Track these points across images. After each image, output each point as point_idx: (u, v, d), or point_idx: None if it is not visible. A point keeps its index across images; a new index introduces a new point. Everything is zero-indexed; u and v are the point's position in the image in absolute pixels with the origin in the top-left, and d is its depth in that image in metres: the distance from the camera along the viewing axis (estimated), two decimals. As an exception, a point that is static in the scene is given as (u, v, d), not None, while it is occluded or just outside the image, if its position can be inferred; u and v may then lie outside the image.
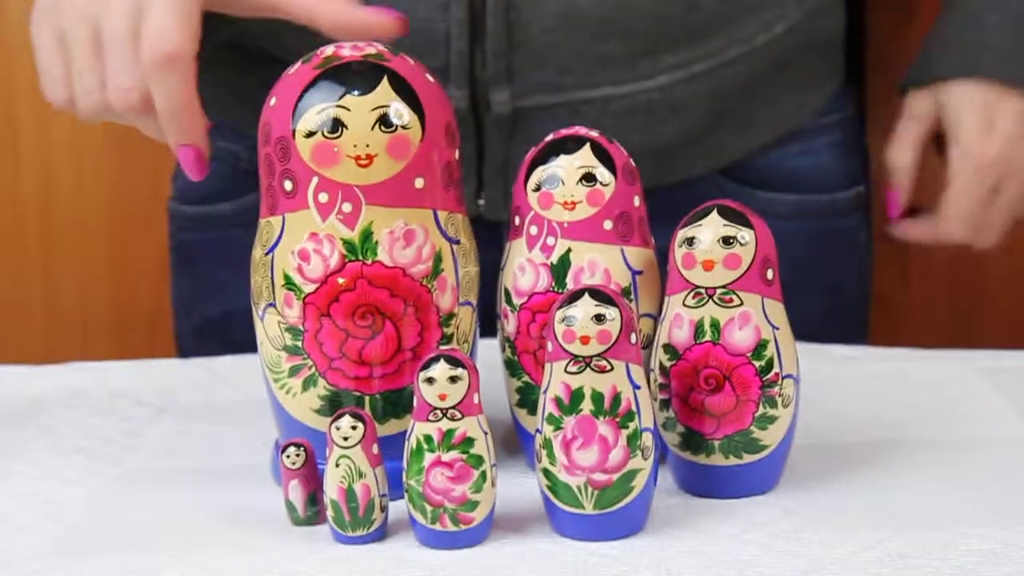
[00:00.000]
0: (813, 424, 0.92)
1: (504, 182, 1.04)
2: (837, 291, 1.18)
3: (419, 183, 0.81)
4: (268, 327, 0.83)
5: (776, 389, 0.81)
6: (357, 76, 0.81)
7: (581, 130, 0.84)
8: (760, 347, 0.80)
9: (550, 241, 0.83)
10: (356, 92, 0.81)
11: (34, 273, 1.64)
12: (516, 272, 0.84)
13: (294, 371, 0.83)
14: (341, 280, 0.81)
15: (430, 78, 0.83)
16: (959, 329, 1.59)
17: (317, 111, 0.80)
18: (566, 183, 0.83)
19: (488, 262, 0.87)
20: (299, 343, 0.82)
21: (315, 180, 0.81)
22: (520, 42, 1.01)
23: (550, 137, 0.85)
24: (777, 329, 0.81)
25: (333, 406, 0.82)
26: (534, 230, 0.84)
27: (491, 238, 0.88)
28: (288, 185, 0.81)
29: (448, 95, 0.99)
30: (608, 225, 0.83)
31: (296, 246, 0.82)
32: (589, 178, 0.83)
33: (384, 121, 0.80)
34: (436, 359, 0.76)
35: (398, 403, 0.83)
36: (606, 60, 1.03)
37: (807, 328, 1.01)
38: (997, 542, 0.76)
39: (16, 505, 0.85)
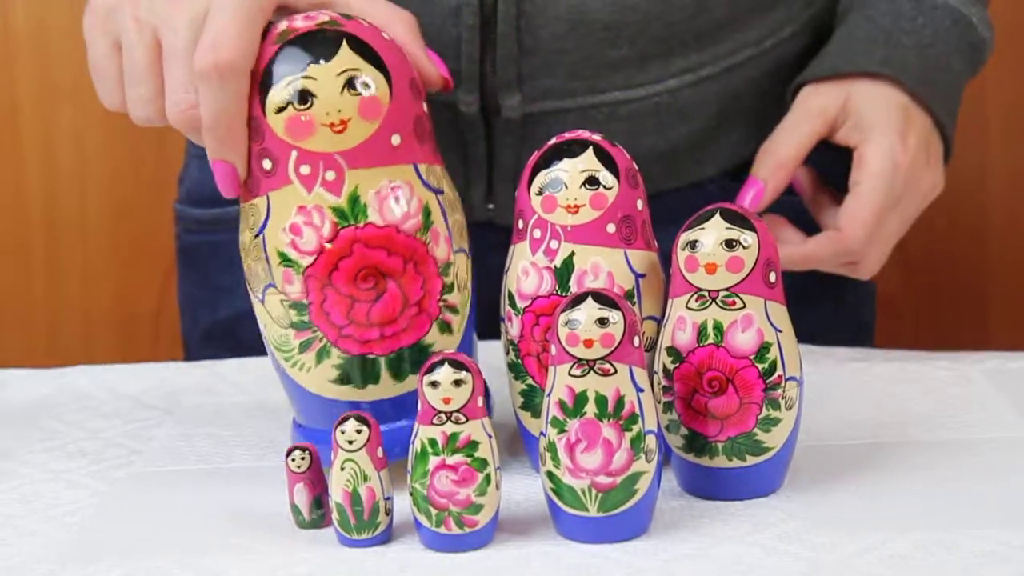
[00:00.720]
0: (816, 426, 0.92)
1: (514, 187, 1.04)
2: (841, 293, 1.18)
3: (395, 140, 0.82)
4: (271, 308, 0.84)
5: (779, 391, 0.81)
6: (315, 45, 0.81)
7: (584, 134, 0.84)
8: (763, 349, 0.80)
9: (553, 244, 0.83)
10: (320, 60, 0.81)
11: (38, 275, 1.65)
12: (520, 275, 0.84)
13: (305, 346, 0.84)
14: (328, 245, 0.81)
15: (386, 36, 0.84)
16: (963, 331, 1.60)
17: (284, 85, 0.81)
18: (569, 187, 0.83)
19: (498, 265, 0.87)
20: (305, 317, 0.83)
21: (294, 154, 0.81)
22: (530, 47, 1.01)
23: (553, 141, 0.85)
24: (780, 331, 0.81)
25: (349, 373, 0.84)
26: (537, 233, 0.84)
27: (501, 242, 0.88)
28: (267, 164, 0.82)
29: (459, 101, 1.00)
30: (611, 228, 0.83)
31: (286, 222, 0.82)
32: (592, 181, 0.83)
33: (351, 85, 0.81)
34: (440, 363, 0.76)
35: (414, 358, 0.84)
36: (616, 64, 1.03)
37: (811, 330, 1.01)
38: (1000, 543, 0.76)
39: (20, 508, 0.86)
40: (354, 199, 0.81)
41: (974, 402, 0.96)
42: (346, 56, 0.81)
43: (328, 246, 0.81)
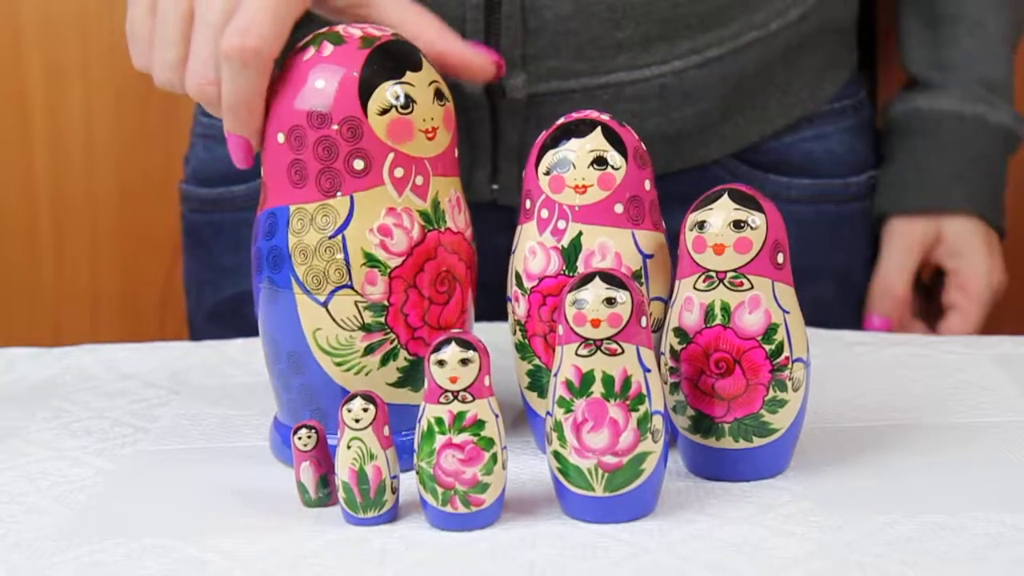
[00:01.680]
0: (823, 408, 0.92)
1: (518, 167, 1.04)
2: (849, 276, 1.18)
3: (456, 152, 0.87)
4: (337, 310, 0.84)
5: (786, 373, 0.81)
6: (405, 54, 0.84)
7: (592, 114, 0.84)
8: (770, 331, 0.80)
9: (561, 224, 0.83)
10: (413, 68, 0.84)
11: (45, 256, 1.65)
12: (527, 255, 0.84)
13: (371, 349, 0.84)
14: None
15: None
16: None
17: (390, 86, 0.83)
18: (577, 167, 0.83)
19: (502, 246, 0.87)
20: (382, 319, 0.84)
21: (391, 156, 0.83)
22: (535, 28, 1.01)
23: (561, 121, 0.85)
24: (787, 313, 0.81)
25: (411, 376, 0.85)
26: (545, 213, 0.84)
27: (505, 223, 0.88)
28: (359, 164, 0.82)
29: (463, 81, 1.00)
30: (619, 209, 0.83)
31: (374, 223, 0.83)
32: (600, 162, 0.83)
33: (439, 94, 0.84)
34: (447, 342, 0.76)
35: None
36: (621, 45, 1.03)
37: (818, 312, 1.01)
38: (1006, 526, 0.76)
39: (26, 486, 0.86)
40: (436, 204, 0.84)
41: (982, 386, 0.96)
42: (428, 66, 0.85)
43: (418, 249, 0.84)
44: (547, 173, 0.84)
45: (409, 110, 0.83)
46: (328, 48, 0.83)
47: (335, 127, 0.82)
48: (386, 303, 0.83)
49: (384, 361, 0.84)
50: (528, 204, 0.85)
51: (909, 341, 1.06)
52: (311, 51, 0.84)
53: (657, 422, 0.77)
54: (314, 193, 0.83)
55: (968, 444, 0.87)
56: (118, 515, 0.82)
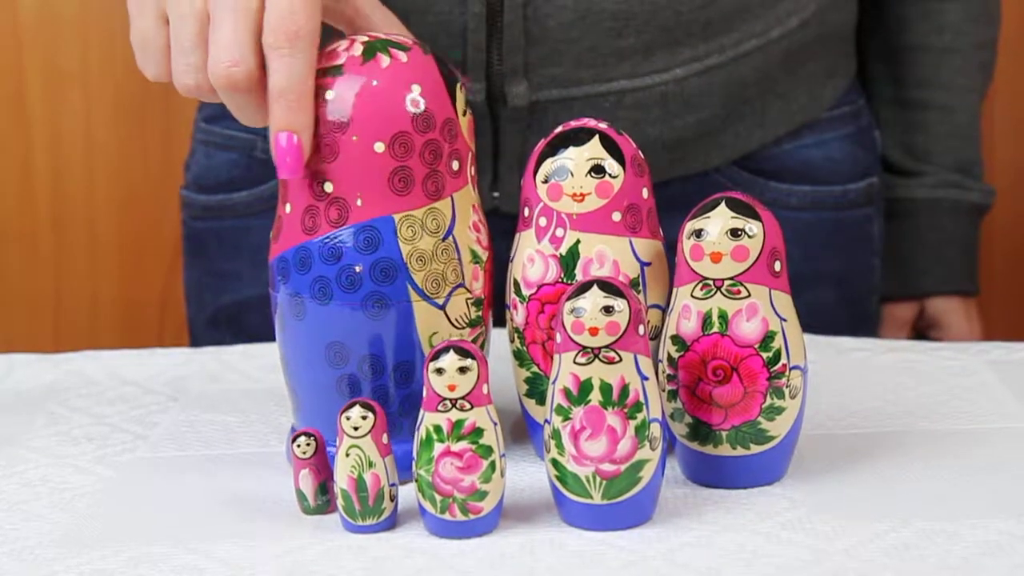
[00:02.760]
0: (820, 415, 0.93)
1: (520, 175, 1.05)
2: (847, 282, 1.19)
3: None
4: (454, 310, 0.85)
5: (784, 380, 0.81)
6: (443, 58, 0.86)
7: (590, 122, 0.85)
8: (768, 338, 0.81)
9: (559, 232, 0.83)
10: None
11: (44, 261, 1.65)
12: (525, 263, 0.85)
13: (474, 340, 0.86)
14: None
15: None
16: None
17: (459, 89, 0.85)
18: (575, 175, 0.83)
19: (503, 253, 0.88)
20: (480, 312, 0.86)
21: (470, 155, 0.86)
22: (537, 36, 1.01)
23: (559, 129, 0.85)
24: (785, 321, 0.81)
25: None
26: (543, 221, 0.84)
27: (506, 230, 0.88)
28: (455, 165, 0.84)
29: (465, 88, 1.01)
30: (617, 217, 0.83)
31: (469, 221, 0.85)
32: (598, 170, 0.83)
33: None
34: (446, 350, 0.76)
35: None
36: (622, 54, 1.03)
37: (816, 319, 1.01)
38: (1002, 534, 0.76)
39: (26, 493, 0.86)
40: (479, 196, 0.88)
41: (978, 392, 0.97)
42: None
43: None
44: (545, 181, 0.84)
45: (469, 108, 0.86)
46: (401, 55, 0.83)
47: (438, 131, 0.83)
48: (483, 295, 0.86)
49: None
50: (526, 212, 0.85)
51: (905, 348, 1.06)
52: (384, 59, 0.83)
53: (655, 430, 0.77)
54: (421, 198, 0.83)
55: (965, 451, 0.87)
56: (117, 522, 0.82)
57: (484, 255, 0.86)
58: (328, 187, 0.83)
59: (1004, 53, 1.30)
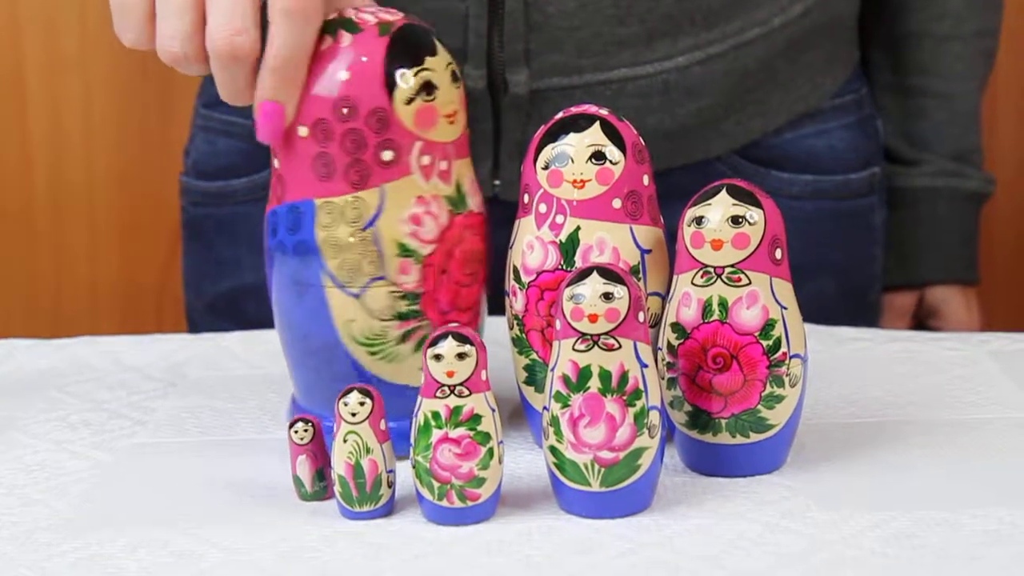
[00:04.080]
0: (820, 404, 0.93)
1: (520, 163, 1.04)
2: (849, 272, 1.18)
3: (468, 132, 0.87)
4: (372, 301, 0.84)
5: (783, 368, 0.81)
6: (421, 38, 0.83)
7: (591, 108, 0.84)
8: (768, 326, 0.80)
9: (559, 219, 0.83)
10: (431, 53, 0.83)
11: (43, 247, 1.65)
12: (525, 250, 0.84)
13: (406, 336, 0.85)
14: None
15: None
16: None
17: (412, 75, 0.82)
18: (575, 161, 0.83)
19: (503, 241, 0.87)
20: (416, 306, 0.84)
21: (418, 144, 0.83)
22: (538, 23, 1.01)
23: (560, 115, 0.84)
24: (785, 309, 0.81)
25: None
26: (543, 208, 0.84)
27: (507, 218, 0.88)
28: (387, 155, 0.82)
29: (466, 76, 1.00)
30: (617, 203, 0.83)
31: (404, 213, 0.83)
32: (598, 156, 0.83)
33: (455, 76, 0.84)
34: (444, 336, 0.76)
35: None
36: (624, 42, 1.03)
37: (818, 308, 1.01)
38: (1003, 523, 0.76)
39: (24, 478, 0.86)
40: (459, 187, 0.85)
41: (978, 382, 0.96)
42: (442, 51, 0.84)
43: (448, 233, 0.84)
44: (545, 168, 0.83)
45: (432, 97, 0.82)
46: (346, 37, 0.82)
47: (363, 119, 0.81)
48: (420, 291, 0.84)
49: (418, 347, 0.85)
50: (526, 198, 0.85)
51: (906, 337, 1.06)
52: (328, 40, 0.82)
53: (654, 417, 0.77)
54: (343, 186, 0.83)
55: (965, 440, 0.87)
56: (115, 507, 0.82)
57: (424, 249, 0.83)
58: (276, 163, 0.85)
59: (1007, 43, 1.30)
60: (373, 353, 0.85)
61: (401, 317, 0.84)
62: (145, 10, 0.82)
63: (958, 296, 1.27)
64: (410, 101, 0.82)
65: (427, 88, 0.82)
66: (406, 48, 0.82)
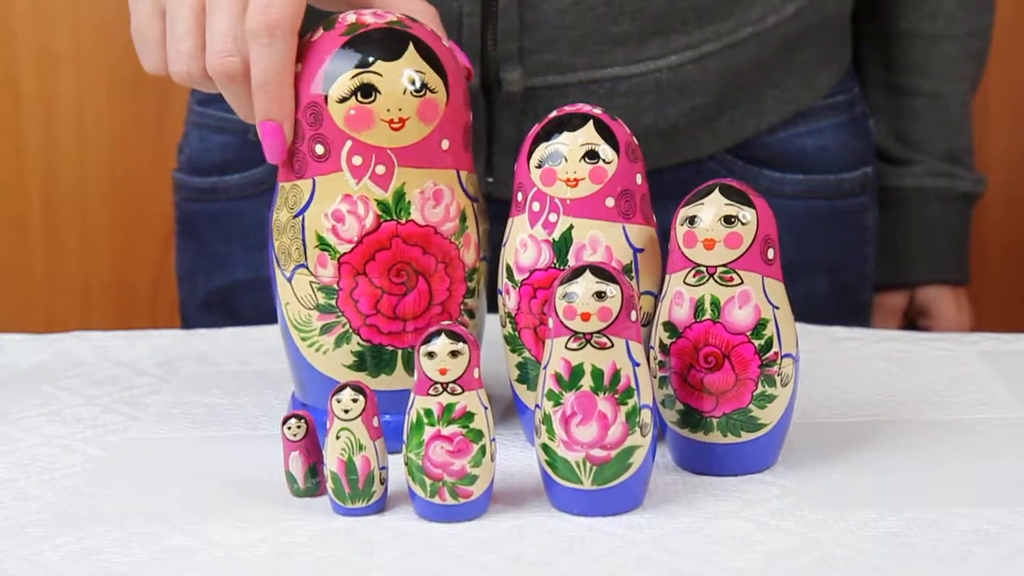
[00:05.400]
0: (812, 403, 0.93)
1: (514, 161, 1.04)
2: (841, 271, 1.19)
3: (445, 144, 0.85)
4: (297, 287, 0.85)
5: (775, 368, 0.81)
6: (384, 42, 0.84)
7: (584, 107, 0.84)
8: (760, 326, 0.80)
9: (552, 218, 0.83)
10: (385, 58, 0.83)
11: (36, 243, 1.65)
12: (518, 248, 0.84)
13: (326, 329, 0.85)
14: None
15: (446, 44, 0.87)
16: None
17: (350, 77, 0.83)
18: (569, 160, 0.83)
19: (496, 238, 0.88)
20: (333, 301, 0.85)
21: (348, 144, 0.83)
22: (532, 22, 1.01)
23: (553, 114, 0.85)
24: (777, 308, 0.81)
25: (365, 360, 0.86)
26: (536, 206, 0.84)
27: (499, 216, 0.88)
28: (319, 149, 0.84)
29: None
30: (610, 202, 0.83)
31: (329, 208, 0.84)
32: (592, 155, 0.83)
33: (420, 85, 0.84)
34: (437, 333, 0.76)
35: None
36: (617, 40, 1.03)
37: (809, 308, 1.01)
38: (993, 523, 0.76)
39: (16, 472, 0.86)
40: (399, 195, 0.84)
41: (969, 382, 0.97)
42: (412, 57, 0.84)
43: (369, 237, 0.84)
44: (539, 166, 0.84)
45: (371, 99, 0.83)
46: (319, 33, 0.85)
47: (301, 111, 0.84)
48: (336, 287, 0.84)
49: (338, 343, 0.85)
50: (520, 197, 0.85)
51: (897, 337, 1.06)
52: (317, 33, 0.85)
53: (646, 416, 0.77)
54: (289, 173, 0.86)
55: (955, 440, 0.87)
56: (107, 502, 0.82)
57: (341, 247, 0.84)
58: None
59: (1000, 44, 1.30)
60: (303, 339, 0.86)
61: (320, 309, 0.85)
62: (158, 38, 0.87)
63: (948, 296, 1.27)
64: (342, 100, 0.83)
65: (363, 91, 0.83)
66: (359, 50, 0.83)
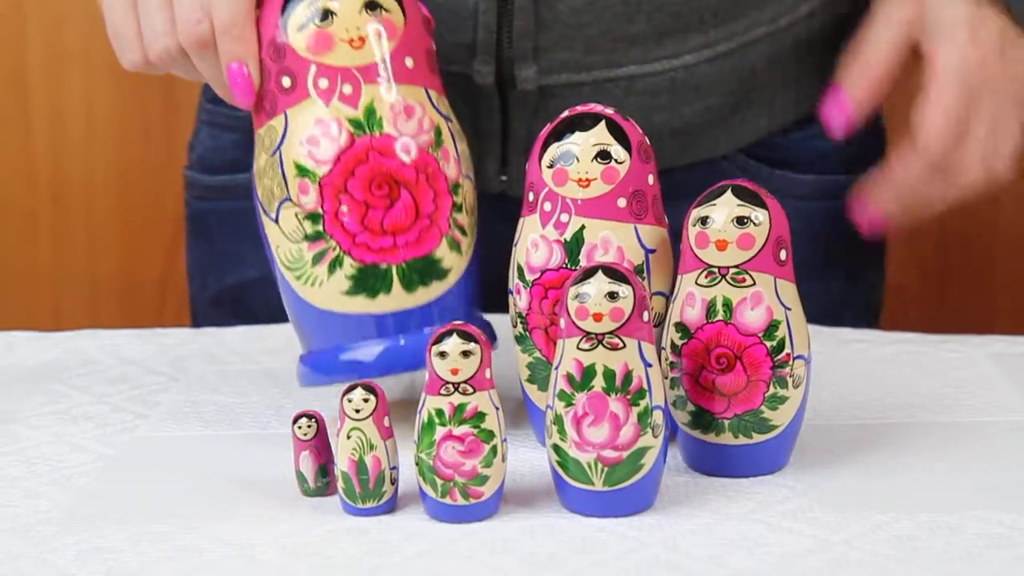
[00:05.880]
0: (823, 405, 0.93)
1: (528, 160, 1.04)
2: (854, 272, 1.18)
3: (409, 62, 0.87)
4: (284, 224, 0.86)
5: (787, 369, 0.81)
6: None
7: (596, 107, 0.84)
8: (772, 327, 0.80)
9: (564, 218, 0.83)
10: None
11: (44, 240, 1.65)
12: (529, 248, 0.84)
13: (318, 258, 0.86)
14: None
15: None
16: (970, 314, 1.60)
17: (306, 5, 0.86)
18: (581, 160, 0.83)
19: (510, 237, 0.87)
20: (320, 227, 0.85)
21: (313, 68, 0.86)
22: (547, 20, 1.01)
23: (565, 114, 0.84)
24: (789, 310, 0.81)
25: (361, 283, 0.86)
26: (548, 206, 0.84)
27: (514, 214, 0.88)
28: (286, 82, 0.86)
29: (474, 71, 1.00)
30: (622, 203, 0.83)
31: (304, 135, 0.85)
32: (604, 155, 0.83)
33: (371, 5, 0.86)
34: (449, 334, 0.76)
35: (424, 270, 0.86)
36: (632, 39, 1.03)
37: (821, 308, 1.00)
38: (1004, 526, 0.76)
39: (25, 470, 0.86)
40: (370, 111, 0.85)
41: (979, 385, 0.96)
42: None
43: (345, 155, 0.85)
44: (551, 166, 0.84)
45: (328, 22, 0.85)
46: None
47: (264, 50, 0.86)
48: (320, 211, 0.85)
49: (331, 269, 0.86)
50: (531, 197, 0.85)
51: (907, 340, 1.06)
52: None
53: (657, 417, 0.77)
54: (261, 116, 0.87)
55: (966, 443, 0.87)
56: (116, 501, 0.82)
57: (319, 169, 0.85)
58: None
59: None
60: (298, 278, 0.87)
61: (308, 239, 0.86)
62: (134, 31, 0.89)
63: (963, 18, 1.03)
64: (301, 28, 0.85)
65: (322, 15, 0.85)
66: None
